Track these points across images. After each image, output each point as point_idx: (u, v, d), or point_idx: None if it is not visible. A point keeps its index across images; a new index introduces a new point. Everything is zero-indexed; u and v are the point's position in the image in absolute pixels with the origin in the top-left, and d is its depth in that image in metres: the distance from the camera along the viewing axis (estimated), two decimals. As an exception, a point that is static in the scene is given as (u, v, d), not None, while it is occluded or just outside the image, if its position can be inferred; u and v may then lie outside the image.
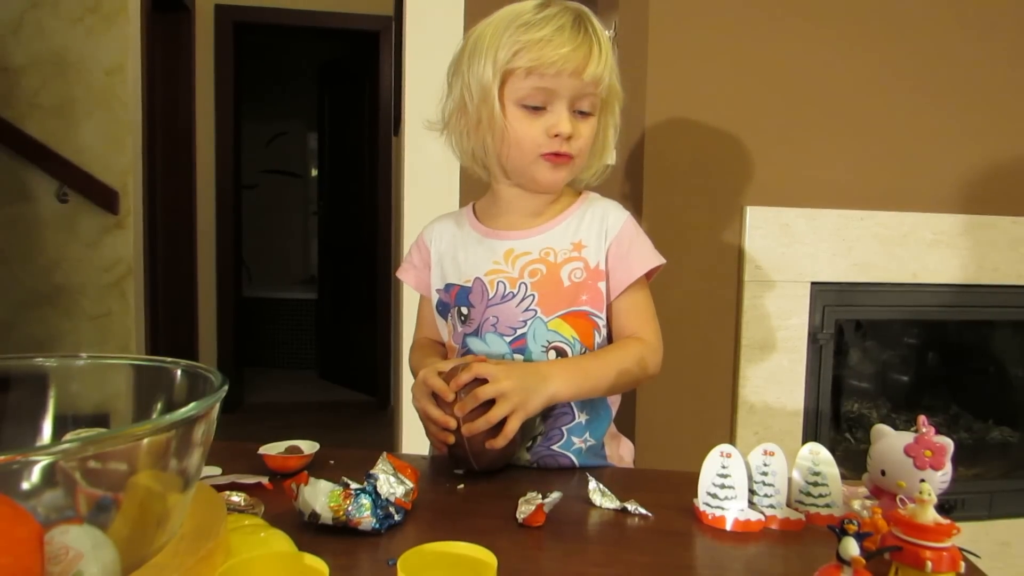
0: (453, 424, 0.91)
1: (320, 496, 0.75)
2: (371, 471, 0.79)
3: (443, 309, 1.11)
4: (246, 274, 5.30)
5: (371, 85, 4.07)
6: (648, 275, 1.08)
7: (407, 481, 0.79)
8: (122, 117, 2.76)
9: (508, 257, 1.06)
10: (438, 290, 1.11)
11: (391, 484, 0.78)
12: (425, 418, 0.95)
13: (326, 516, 0.75)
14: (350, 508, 0.74)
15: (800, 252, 1.88)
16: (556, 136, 0.99)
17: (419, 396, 0.96)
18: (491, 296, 1.04)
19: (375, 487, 0.77)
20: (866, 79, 1.90)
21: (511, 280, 1.04)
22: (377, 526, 0.75)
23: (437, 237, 1.14)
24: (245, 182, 4.85)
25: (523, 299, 1.03)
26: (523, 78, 0.98)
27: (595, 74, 0.97)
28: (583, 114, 1.01)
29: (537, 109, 1.00)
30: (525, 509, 0.80)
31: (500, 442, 0.90)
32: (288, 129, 5.84)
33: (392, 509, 0.77)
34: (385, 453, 0.83)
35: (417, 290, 1.18)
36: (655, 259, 1.06)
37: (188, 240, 3.68)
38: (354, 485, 0.77)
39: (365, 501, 0.75)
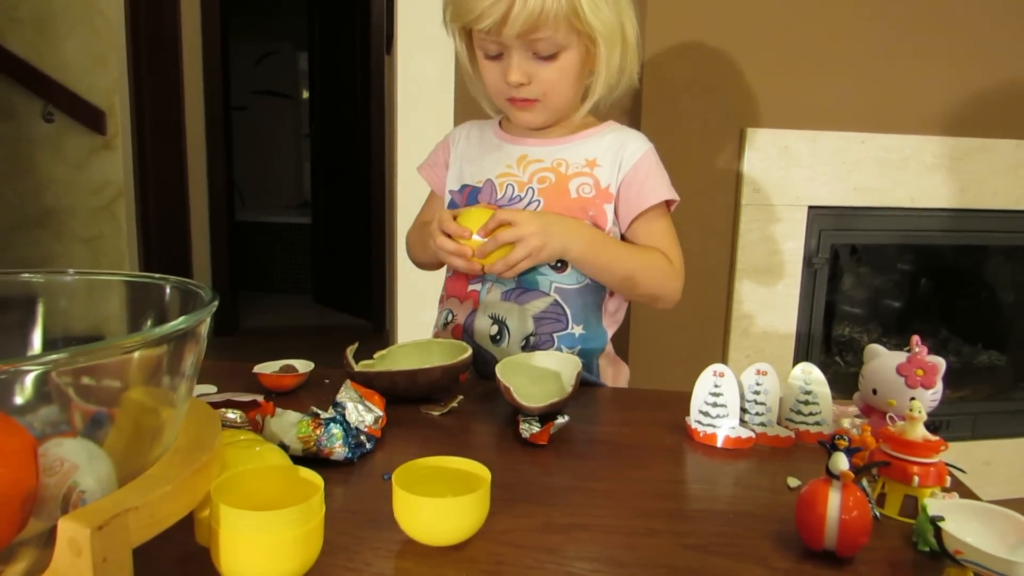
0: (468, 254, 0.97)
1: (288, 427, 0.73)
2: (337, 399, 0.76)
3: (454, 209, 1.12)
4: (239, 198, 5.24)
5: (362, 2, 3.92)
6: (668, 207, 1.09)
7: (375, 408, 0.77)
8: (105, 33, 2.66)
9: (520, 162, 1.08)
10: (451, 191, 1.13)
11: (359, 412, 0.76)
12: (442, 252, 0.99)
13: (295, 447, 0.71)
14: (321, 438, 0.72)
15: (799, 175, 1.85)
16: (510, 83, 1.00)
17: (435, 235, 1.00)
18: (499, 197, 1.07)
19: (343, 415, 0.75)
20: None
21: (520, 184, 1.07)
22: (349, 455, 0.72)
23: (462, 138, 1.17)
24: (235, 103, 4.73)
25: (529, 203, 1.05)
26: (475, 29, 0.98)
27: (522, 26, 0.92)
28: (547, 57, 0.98)
29: (497, 56, 1.00)
30: (527, 428, 0.80)
31: (508, 274, 0.98)
32: (278, 49, 5.67)
33: (363, 438, 0.74)
34: (348, 380, 0.81)
35: (432, 187, 1.21)
36: (669, 193, 1.07)
37: (178, 163, 3.61)
38: (324, 414, 0.74)
39: (336, 430, 0.72)
